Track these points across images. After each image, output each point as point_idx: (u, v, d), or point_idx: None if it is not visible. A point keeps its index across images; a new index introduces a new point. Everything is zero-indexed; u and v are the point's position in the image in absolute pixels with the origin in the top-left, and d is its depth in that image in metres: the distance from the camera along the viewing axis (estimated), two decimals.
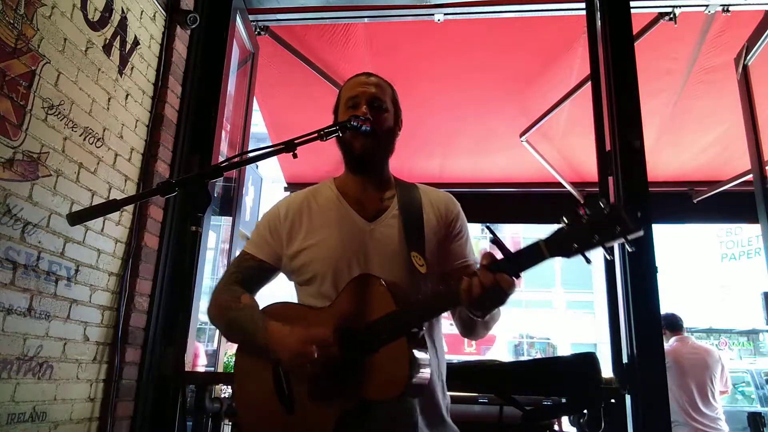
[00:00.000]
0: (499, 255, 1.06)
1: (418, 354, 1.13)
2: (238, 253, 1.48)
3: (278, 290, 1.46)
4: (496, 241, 1.08)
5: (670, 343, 3.91)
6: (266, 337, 1.22)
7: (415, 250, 1.26)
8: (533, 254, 1.03)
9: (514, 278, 1.04)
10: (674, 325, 4.01)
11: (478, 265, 1.08)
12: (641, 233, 0.94)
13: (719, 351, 4.16)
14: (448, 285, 1.12)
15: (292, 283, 1.41)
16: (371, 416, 1.15)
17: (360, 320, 1.17)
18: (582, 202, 1.00)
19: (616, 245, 0.97)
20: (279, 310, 1.33)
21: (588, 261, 0.99)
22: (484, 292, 1.03)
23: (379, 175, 1.41)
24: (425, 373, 1.15)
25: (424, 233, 1.31)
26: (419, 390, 1.14)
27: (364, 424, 1.16)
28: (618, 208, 0.95)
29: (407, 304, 1.14)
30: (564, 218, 1.00)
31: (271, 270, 1.40)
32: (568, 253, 0.99)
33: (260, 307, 1.33)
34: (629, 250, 1.00)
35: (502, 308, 1.25)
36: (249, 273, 1.39)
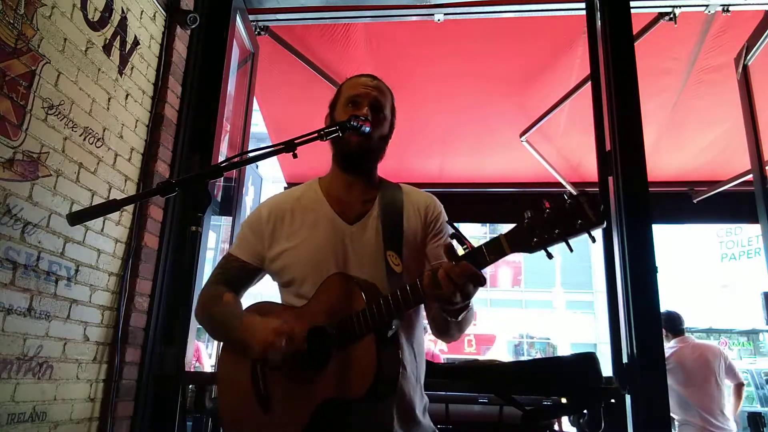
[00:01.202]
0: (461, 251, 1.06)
1: (387, 353, 1.12)
2: None
3: (267, 290, 1.47)
4: (456, 236, 1.06)
5: (671, 345, 3.90)
6: (241, 330, 1.25)
7: (391, 249, 1.27)
8: (494, 249, 1.01)
9: (475, 270, 1.02)
10: (675, 327, 3.97)
11: None
12: (603, 225, 0.92)
13: (720, 347, 4.13)
14: (414, 281, 1.10)
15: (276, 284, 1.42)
16: (343, 416, 1.15)
17: (332, 318, 1.18)
18: (549, 197, 0.97)
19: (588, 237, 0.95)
20: (259, 308, 1.35)
21: (549, 256, 0.97)
22: (446, 284, 1.02)
23: (367, 177, 1.41)
24: (394, 372, 1.14)
25: (402, 233, 1.31)
26: (388, 390, 1.13)
27: (336, 424, 1.16)
28: (579, 201, 0.93)
29: (376, 300, 1.13)
30: (526, 213, 0.98)
31: (255, 271, 1.41)
32: (528, 248, 0.98)
33: (243, 307, 1.36)
34: (591, 243, 0.98)
35: (475, 310, 1.27)
36: (233, 273, 1.41)
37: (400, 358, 1.18)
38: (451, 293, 1.04)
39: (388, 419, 1.21)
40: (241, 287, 1.43)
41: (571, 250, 0.96)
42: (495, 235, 1.02)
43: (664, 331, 3.93)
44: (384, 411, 1.21)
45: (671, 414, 3.76)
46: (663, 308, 2.24)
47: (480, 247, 1.03)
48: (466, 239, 1.05)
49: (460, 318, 1.16)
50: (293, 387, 1.19)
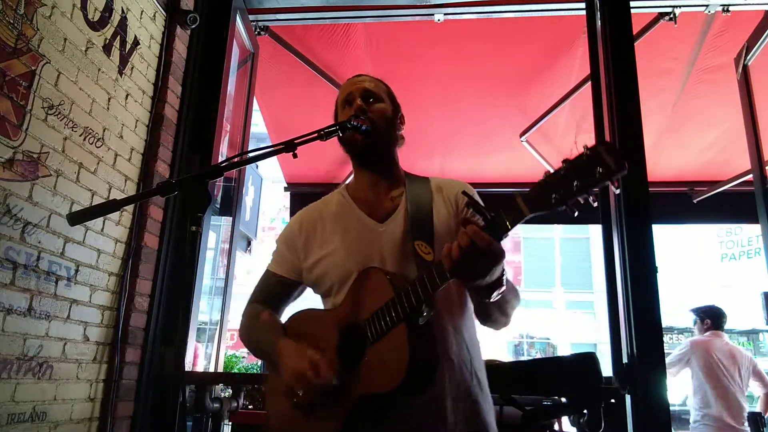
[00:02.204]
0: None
1: (420, 341, 1.07)
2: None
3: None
4: (471, 204, 1.02)
5: (703, 336, 3.93)
6: (274, 355, 1.25)
7: (420, 239, 1.24)
8: (512, 211, 0.95)
9: (492, 237, 0.96)
10: (718, 322, 3.99)
11: None
12: (624, 172, 0.85)
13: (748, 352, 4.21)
14: (437, 261, 1.06)
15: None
16: (383, 413, 1.12)
17: (364, 314, 1.17)
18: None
19: (612, 190, 0.87)
20: (300, 316, 1.36)
21: (572, 213, 0.90)
22: (462, 254, 0.98)
23: (388, 169, 1.40)
24: (430, 361, 1.09)
25: (432, 223, 1.28)
26: (425, 381, 1.09)
27: (377, 422, 1.13)
28: (597, 150, 0.87)
29: (404, 288, 1.10)
30: (545, 173, 0.92)
31: (294, 285, 1.42)
32: (549, 206, 0.90)
33: (282, 321, 1.38)
34: (615, 192, 0.91)
35: (514, 292, 1.23)
36: (272, 290, 1.43)
37: (434, 346, 1.12)
38: (468, 263, 0.99)
39: (438, 410, 1.15)
40: (281, 303, 1.44)
41: (573, 213, 0.89)
42: None
43: (702, 322, 4.01)
44: (435, 405, 1.15)
45: (690, 407, 3.81)
46: (663, 309, 2.24)
47: (498, 211, 0.97)
48: (480, 207, 1.00)
49: (494, 297, 1.10)
50: (333, 389, 1.16)
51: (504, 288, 1.11)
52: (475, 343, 1.30)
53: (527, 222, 0.97)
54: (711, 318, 3.99)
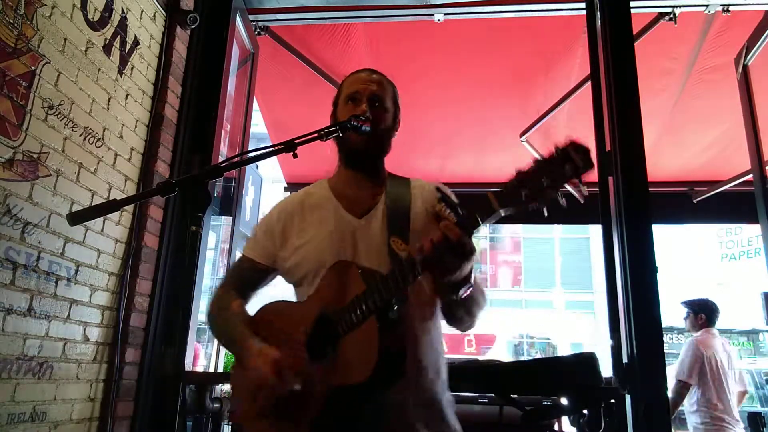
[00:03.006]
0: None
1: (390, 334, 1.09)
2: (237, 253, 1.49)
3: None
4: (443, 199, 1.04)
5: (705, 334, 3.81)
6: (242, 353, 1.25)
7: (395, 235, 1.25)
8: (483, 207, 0.98)
9: (461, 229, 0.99)
10: (713, 317, 3.87)
11: None
12: (591, 168, 0.89)
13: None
14: (409, 256, 1.07)
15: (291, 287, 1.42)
16: (354, 407, 1.13)
17: (336, 307, 1.17)
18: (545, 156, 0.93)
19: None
20: (270, 308, 1.35)
21: (543, 212, 0.93)
22: (434, 248, 0.99)
23: (373, 171, 1.40)
24: (399, 355, 1.11)
25: (408, 221, 1.30)
26: (394, 373, 1.10)
27: (348, 416, 1.13)
28: (566, 148, 0.90)
29: (374, 281, 1.11)
30: (516, 171, 0.95)
31: (266, 270, 1.41)
32: (519, 203, 0.94)
33: (251, 311, 1.35)
34: (584, 194, 0.95)
35: (482, 293, 1.24)
36: (244, 275, 1.43)
37: (404, 339, 1.14)
38: (440, 255, 1.00)
39: (405, 413, 1.17)
40: (252, 288, 1.44)
41: (543, 213, 0.93)
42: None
43: (696, 317, 3.88)
44: (400, 403, 1.17)
45: (688, 407, 3.76)
46: (663, 309, 2.23)
47: (469, 207, 1.00)
48: (452, 203, 1.02)
49: (461, 294, 1.11)
50: (305, 383, 1.17)
51: (472, 286, 1.13)
52: (441, 343, 1.33)
53: (525, 221, 0.99)
54: (706, 313, 3.87)
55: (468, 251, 1.02)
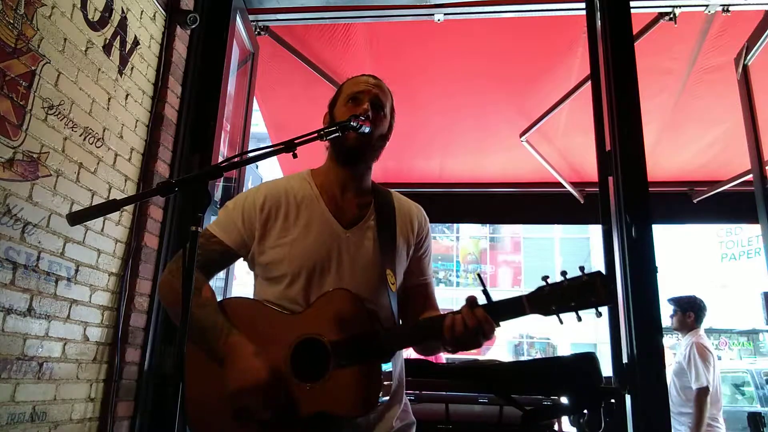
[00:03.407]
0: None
1: (388, 371, 1.20)
2: None
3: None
4: (484, 291, 1.15)
5: (700, 336, 3.67)
6: (225, 351, 1.19)
7: (389, 267, 1.29)
8: (514, 307, 1.12)
9: (490, 318, 1.11)
10: (701, 317, 3.76)
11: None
12: (611, 304, 1.06)
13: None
14: (430, 319, 1.19)
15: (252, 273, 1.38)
16: (329, 428, 1.18)
17: (332, 335, 1.18)
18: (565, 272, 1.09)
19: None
20: (245, 309, 1.28)
21: (561, 322, 1.09)
22: (465, 331, 1.10)
23: (361, 176, 1.39)
24: (390, 389, 1.24)
25: (395, 250, 1.33)
26: (381, 404, 1.20)
27: None
28: (594, 280, 1.06)
29: (388, 329, 1.21)
30: (546, 281, 1.10)
31: (234, 257, 1.35)
32: (545, 312, 1.09)
33: (218, 300, 1.29)
34: (598, 315, 1.11)
35: None
36: (211, 256, 1.32)
37: (398, 377, 1.30)
38: (466, 339, 1.11)
39: (387, 426, 1.27)
40: (213, 270, 1.35)
41: (580, 320, 1.08)
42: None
43: (684, 314, 3.77)
44: (385, 420, 1.27)
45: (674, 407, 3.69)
46: (663, 309, 2.23)
47: (501, 302, 1.13)
48: (489, 296, 1.14)
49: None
50: (287, 401, 1.17)
51: None
52: (402, 375, 1.40)
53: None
54: (694, 311, 3.77)
55: (489, 338, 1.13)
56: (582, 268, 1.09)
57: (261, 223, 1.31)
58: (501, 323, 1.13)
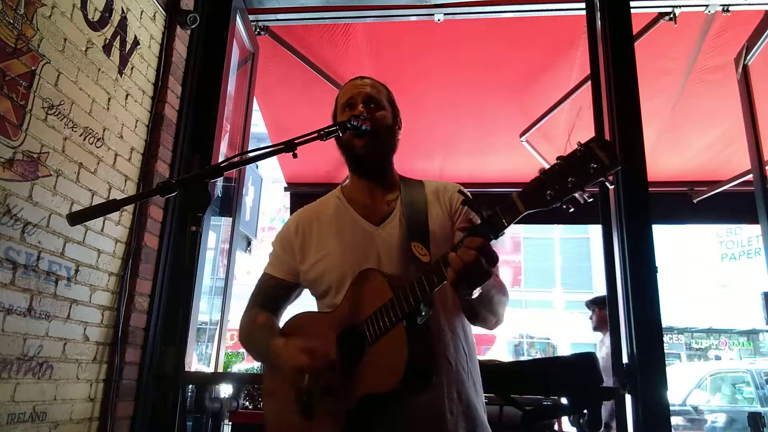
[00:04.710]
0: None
1: (419, 341, 1.08)
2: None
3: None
4: (468, 203, 1.04)
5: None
6: (270, 354, 1.27)
7: (416, 240, 1.25)
8: (509, 209, 0.96)
9: (490, 244, 0.99)
10: None
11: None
12: (618, 167, 0.87)
13: None
14: (435, 261, 1.07)
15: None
16: (385, 412, 1.13)
17: (363, 315, 1.17)
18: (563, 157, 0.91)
19: (609, 186, 0.87)
20: (298, 319, 1.37)
21: (568, 209, 0.91)
22: (465, 266, 0.98)
23: (384, 175, 1.41)
24: (428, 360, 1.10)
25: (428, 225, 1.30)
26: (424, 380, 1.09)
27: (380, 421, 1.14)
28: (590, 146, 0.87)
29: (402, 288, 1.11)
30: (539, 171, 0.94)
31: (291, 287, 1.43)
32: (544, 203, 0.91)
33: (280, 323, 1.39)
34: (610, 186, 0.91)
35: (502, 289, 1.24)
36: (270, 293, 1.44)
37: (432, 345, 1.14)
38: (463, 269, 0.98)
39: (439, 417, 1.17)
40: (280, 305, 1.45)
41: (569, 210, 0.91)
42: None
43: (603, 314, 3.71)
44: (434, 407, 1.17)
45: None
46: (663, 309, 2.23)
47: (494, 208, 0.99)
48: (477, 206, 1.02)
49: (474, 295, 1.08)
50: (333, 391, 1.18)
51: (487, 287, 1.10)
52: (471, 343, 1.32)
53: (525, 221, 0.97)
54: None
55: (494, 259, 1.00)
56: (578, 143, 0.90)
57: (299, 246, 1.40)
58: (500, 234, 0.99)
